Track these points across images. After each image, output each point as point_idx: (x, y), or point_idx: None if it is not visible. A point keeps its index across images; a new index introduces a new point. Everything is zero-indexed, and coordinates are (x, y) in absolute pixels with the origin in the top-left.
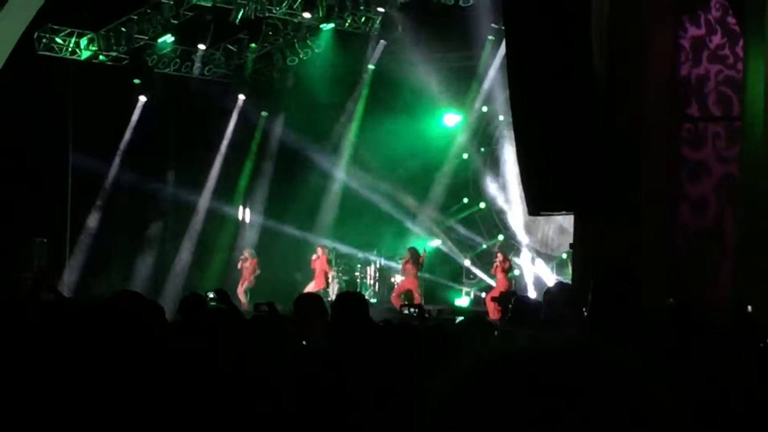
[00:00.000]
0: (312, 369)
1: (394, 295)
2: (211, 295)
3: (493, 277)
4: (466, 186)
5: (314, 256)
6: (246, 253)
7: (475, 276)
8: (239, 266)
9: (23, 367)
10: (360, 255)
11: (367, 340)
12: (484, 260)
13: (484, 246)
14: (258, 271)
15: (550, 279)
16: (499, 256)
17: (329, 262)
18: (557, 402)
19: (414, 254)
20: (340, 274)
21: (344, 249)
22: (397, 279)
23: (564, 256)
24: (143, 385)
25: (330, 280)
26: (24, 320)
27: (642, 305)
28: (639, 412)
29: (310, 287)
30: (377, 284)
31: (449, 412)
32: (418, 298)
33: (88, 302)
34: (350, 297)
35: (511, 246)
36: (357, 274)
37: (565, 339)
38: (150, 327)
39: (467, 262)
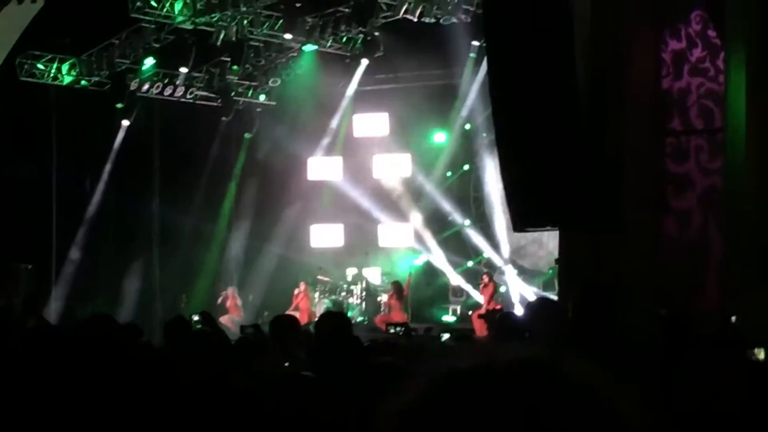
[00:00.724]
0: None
1: (378, 319)
2: (196, 318)
3: (480, 296)
4: (451, 203)
5: (296, 291)
6: (229, 291)
7: (463, 293)
8: (219, 302)
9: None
10: (346, 272)
11: (351, 359)
12: (469, 277)
13: (470, 264)
14: (240, 304)
15: (534, 295)
16: (485, 278)
17: (311, 299)
18: (510, 417)
19: (398, 288)
20: (327, 294)
21: (330, 262)
22: (384, 298)
23: (550, 272)
24: (116, 405)
25: (313, 318)
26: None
27: (618, 321)
28: (598, 425)
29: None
30: (364, 303)
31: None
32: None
33: (68, 328)
34: (333, 316)
35: (494, 264)
36: (343, 294)
37: (520, 353)
38: (121, 348)
39: (455, 280)
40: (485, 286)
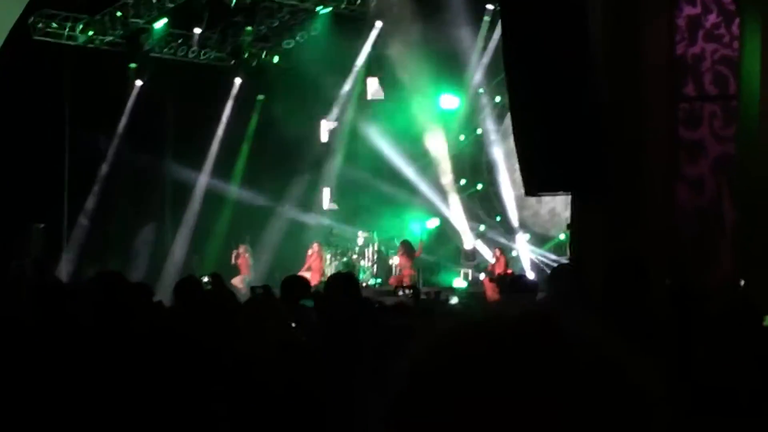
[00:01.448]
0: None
1: (391, 280)
2: (206, 279)
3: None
4: (463, 167)
5: (309, 252)
6: (241, 249)
7: (475, 257)
8: (233, 261)
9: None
10: (359, 235)
11: (359, 320)
12: (481, 241)
13: (482, 228)
14: (251, 262)
15: (546, 260)
16: (496, 252)
17: (324, 259)
18: (518, 370)
19: (407, 247)
20: (338, 257)
21: (341, 228)
22: (396, 261)
23: (561, 237)
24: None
25: (324, 278)
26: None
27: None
28: (598, 381)
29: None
30: (375, 266)
31: (415, 380)
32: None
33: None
34: (341, 277)
35: (507, 228)
36: (355, 256)
37: (530, 308)
38: (130, 306)
39: (468, 243)
40: (497, 259)
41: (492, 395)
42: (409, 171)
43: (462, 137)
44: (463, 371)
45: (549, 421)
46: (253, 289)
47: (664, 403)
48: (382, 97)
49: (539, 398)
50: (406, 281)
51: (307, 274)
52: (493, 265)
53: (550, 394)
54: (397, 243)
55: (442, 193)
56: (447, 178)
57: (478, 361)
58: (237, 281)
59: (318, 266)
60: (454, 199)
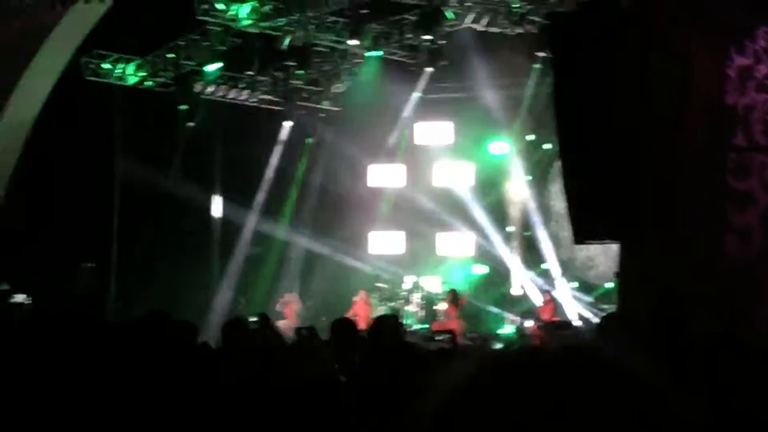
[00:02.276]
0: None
1: (434, 325)
2: (253, 319)
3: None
4: (512, 214)
5: (356, 298)
6: (286, 297)
7: (522, 304)
8: (278, 308)
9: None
10: (405, 280)
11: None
12: (529, 286)
13: (530, 273)
14: (299, 313)
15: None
16: (546, 297)
17: (370, 306)
18: (556, 399)
19: (454, 296)
20: (384, 302)
21: (389, 269)
22: (442, 306)
23: (607, 285)
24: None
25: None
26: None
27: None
28: (640, 414)
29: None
30: (422, 312)
31: (449, 411)
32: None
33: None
34: (385, 320)
35: (551, 277)
36: (401, 302)
37: (566, 341)
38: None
39: (516, 289)
40: (546, 304)
41: (535, 421)
42: (457, 216)
43: (511, 183)
44: (507, 397)
45: None
46: (298, 330)
47: None
48: (431, 143)
49: (582, 426)
50: (452, 329)
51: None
52: (542, 308)
53: (591, 423)
54: (445, 289)
55: (491, 239)
56: (492, 224)
57: (521, 388)
58: (283, 324)
59: (364, 314)
60: (503, 244)
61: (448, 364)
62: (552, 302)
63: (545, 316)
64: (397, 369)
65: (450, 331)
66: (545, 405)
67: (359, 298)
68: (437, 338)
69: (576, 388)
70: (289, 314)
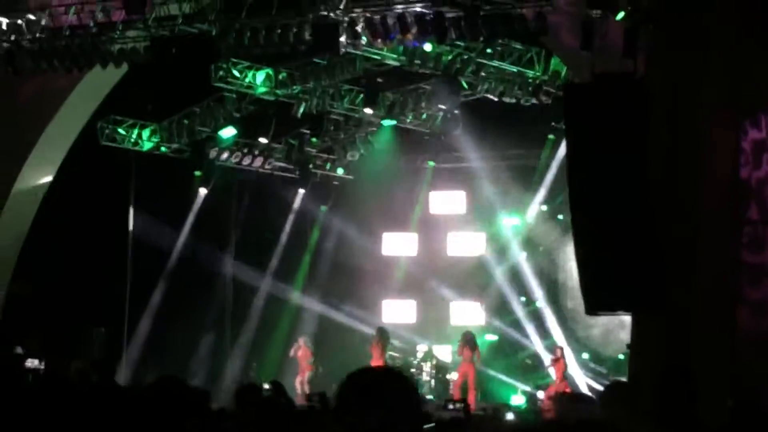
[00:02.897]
0: None
1: (454, 386)
2: (266, 386)
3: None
4: (525, 284)
5: (373, 341)
6: (300, 341)
7: (533, 374)
8: (292, 354)
9: None
10: (417, 349)
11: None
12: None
13: (538, 345)
14: (311, 359)
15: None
16: (557, 352)
17: (386, 359)
18: None
19: (469, 339)
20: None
21: (402, 337)
22: (454, 376)
23: (620, 356)
24: None
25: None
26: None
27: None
28: None
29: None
30: (434, 381)
31: None
32: (472, 388)
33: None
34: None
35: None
36: (413, 370)
37: (587, 415)
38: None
39: (530, 357)
40: (557, 360)
41: None
42: (470, 285)
43: (524, 254)
44: None
45: None
46: (309, 397)
47: None
48: (445, 212)
49: None
50: (467, 372)
51: None
52: (553, 365)
53: None
54: (456, 359)
55: (501, 310)
56: (506, 294)
57: None
58: (297, 383)
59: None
60: (514, 316)
61: None
62: (562, 359)
63: (557, 374)
64: None
65: (463, 401)
66: None
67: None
68: (450, 407)
69: None
70: (303, 360)
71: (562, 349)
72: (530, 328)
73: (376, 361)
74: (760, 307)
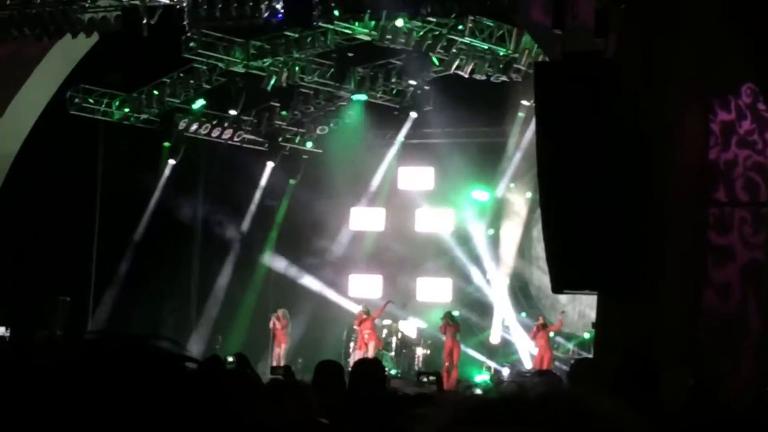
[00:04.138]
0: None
1: (444, 369)
2: (230, 359)
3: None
4: (491, 261)
5: (359, 313)
6: (279, 313)
7: (498, 352)
8: (271, 325)
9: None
10: (382, 324)
11: (382, 410)
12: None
13: (506, 322)
14: (289, 329)
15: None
16: (540, 319)
17: (374, 322)
18: None
19: (451, 317)
20: None
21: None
22: (419, 351)
23: (586, 336)
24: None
25: (379, 347)
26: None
27: (661, 389)
28: None
29: (374, 347)
30: (399, 356)
31: None
32: (455, 367)
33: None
34: (367, 364)
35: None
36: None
37: (548, 386)
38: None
39: (495, 337)
40: (538, 330)
41: None
42: (437, 261)
43: (491, 231)
44: None
45: None
46: (273, 369)
47: None
48: (414, 188)
49: None
50: (452, 349)
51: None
52: (534, 334)
53: None
54: (422, 334)
55: (471, 285)
56: (473, 271)
57: None
58: (275, 355)
59: (371, 336)
60: (481, 293)
61: (426, 410)
62: (547, 327)
63: (540, 341)
64: (376, 414)
65: (436, 374)
66: None
67: (363, 317)
68: (423, 380)
69: None
70: (279, 332)
71: (543, 317)
72: (497, 305)
73: (374, 338)
74: (724, 289)
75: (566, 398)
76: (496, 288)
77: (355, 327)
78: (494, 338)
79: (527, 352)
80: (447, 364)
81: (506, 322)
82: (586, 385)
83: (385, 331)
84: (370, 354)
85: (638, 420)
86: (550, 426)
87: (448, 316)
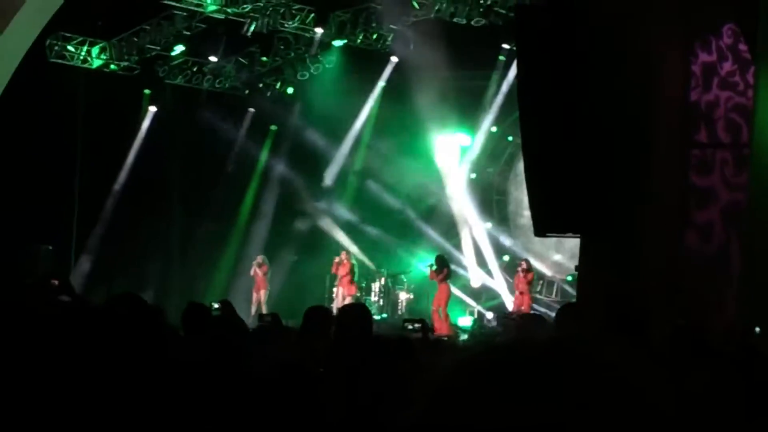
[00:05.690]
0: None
1: (433, 312)
2: (215, 306)
3: (513, 291)
4: (474, 205)
5: (336, 260)
6: (260, 259)
7: (482, 296)
8: (252, 272)
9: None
10: (369, 267)
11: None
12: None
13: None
14: (268, 276)
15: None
16: (523, 264)
17: (353, 267)
18: (540, 393)
19: (442, 262)
20: None
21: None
22: (402, 296)
23: (569, 278)
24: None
25: (353, 292)
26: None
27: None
28: (624, 407)
29: (341, 296)
30: (382, 301)
31: (435, 407)
32: (446, 313)
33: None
34: (353, 310)
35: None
36: (362, 290)
37: (550, 334)
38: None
39: (477, 281)
40: (524, 273)
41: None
42: (418, 208)
43: (473, 175)
44: (489, 394)
45: None
46: (261, 316)
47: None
48: (396, 133)
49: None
50: (442, 296)
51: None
52: (519, 278)
53: (584, 416)
54: (405, 279)
55: (451, 230)
56: (455, 215)
57: (503, 386)
58: (255, 301)
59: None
60: (464, 236)
61: (426, 355)
62: (531, 273)
63: (521, 287)
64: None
65: (421, 321)
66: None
67: (341, 259)
68: (409, 327)
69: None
70: (260, 279)
71: (528, 261)
72: (481, 250)
73: (345, 286)
74: (706, 230)
75: (568, 346)
76: (477, 232)
77: (334, 273)
78: (475, 282)
79: (509, 295)
80: (435, 308)
81: (489, 266)
82: (573, 328)
83: (368, 276)
84: (344, 302)
85: (638, 365)
86: (556, 374)
87: (436, 260)
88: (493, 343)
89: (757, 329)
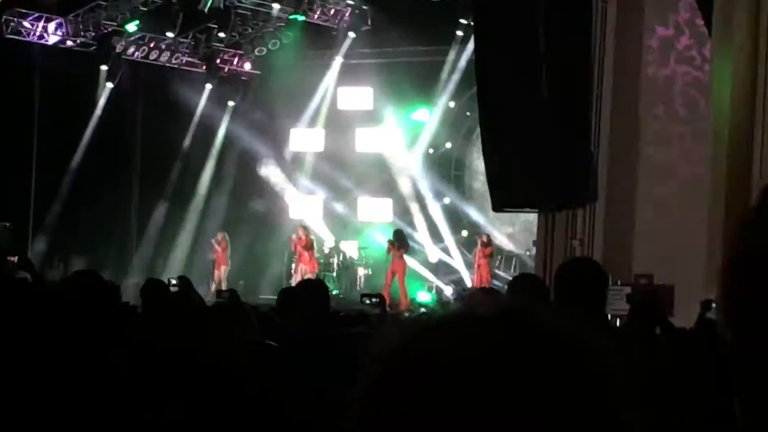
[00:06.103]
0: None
1: (385, 287)
2: (173, 281)
3: (470, 267)
4: (431, 181)
5: (294, 237)
6: (219, 236)
7: (439, 272)
8: (212, 249)
9: None
10: (324, 245)
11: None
12: (448, 254)
13: (445, 242)
14: (228, 252)
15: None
16: (484, 238)
17: (311, 242)
18: (491, 364)
19: (400, 237)
20: None
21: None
22: (361, 273)
23: (527, 253)
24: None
25: (316, 268)
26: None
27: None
28: (577, 379)
29: (300, 272)
30: (340, 277)
31: (380, 382)
32: (403, 287)
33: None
34: (310, 285)
35: (474, 242)
36: (320, 265)
37: (503, 304)
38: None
39: (434, 257)
40: (484, 247)
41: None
42: (376, 183)
43: (431, 150)
44: (431, 367)
45: (532, 412)
46: (219, 292)
47: (633, 393)
48: (353, 108)
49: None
50: (396, 271)
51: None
52: (479, 253)
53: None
54: (363, 254)
55: (408, 206)
56: (413, 190)
57: (445, 359)
58: (216, 277)
59: (309, 254)
60: (420, 213)
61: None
62: (490, 247)
63: (480, 261)
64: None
65: (379, 296)
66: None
67: (299, 235)
68: (366, 302)
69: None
70: (220, 256)
71: (489, 235)
72: (438, 225)
73: (306, 262)
74: (664, 204)
75: (517, 315)
76: (433, 208)
77: (293, 249)
78: (432, 257)
79: (466, 270)
80: (389, 281)
81: (445, 242)
82: (528, 298)
83: (326, 251)
84: (302, 277)
85: (590, 335)
86: (503, 343)
87: (395, 235)
88: (437, 316)
89: (714, 305)
